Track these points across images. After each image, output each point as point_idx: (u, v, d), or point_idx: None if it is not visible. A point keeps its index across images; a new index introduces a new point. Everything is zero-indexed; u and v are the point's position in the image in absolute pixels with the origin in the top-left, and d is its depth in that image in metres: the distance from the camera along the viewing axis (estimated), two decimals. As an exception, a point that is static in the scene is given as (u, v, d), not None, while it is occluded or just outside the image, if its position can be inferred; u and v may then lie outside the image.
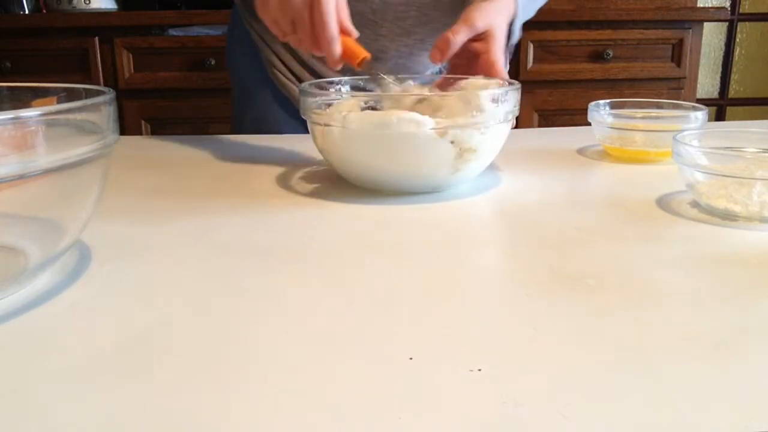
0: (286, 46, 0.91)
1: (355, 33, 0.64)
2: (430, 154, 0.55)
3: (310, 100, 0.60)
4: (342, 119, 0.56)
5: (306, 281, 0.41)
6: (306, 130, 0.78)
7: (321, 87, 0.69)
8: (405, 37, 0.85)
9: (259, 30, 0.93)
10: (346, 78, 0.70)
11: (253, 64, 0.96)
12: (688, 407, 0.27)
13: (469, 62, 0.68)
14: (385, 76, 0.65)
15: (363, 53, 0.64)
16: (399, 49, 0.87)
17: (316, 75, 0.90)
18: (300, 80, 0.92)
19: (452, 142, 0.55)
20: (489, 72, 0.66)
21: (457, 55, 0.67)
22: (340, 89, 0.69)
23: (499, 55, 0.66)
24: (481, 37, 0.66)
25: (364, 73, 0.66)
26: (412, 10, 0.83)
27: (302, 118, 0.62)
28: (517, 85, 0.60)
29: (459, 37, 0.64)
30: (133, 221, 0.53)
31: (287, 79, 0.93)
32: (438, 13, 0.84)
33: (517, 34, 0.75)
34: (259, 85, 0.96)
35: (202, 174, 0.68)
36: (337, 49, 0.62)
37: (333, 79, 0.70)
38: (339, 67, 0.64)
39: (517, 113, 0.60)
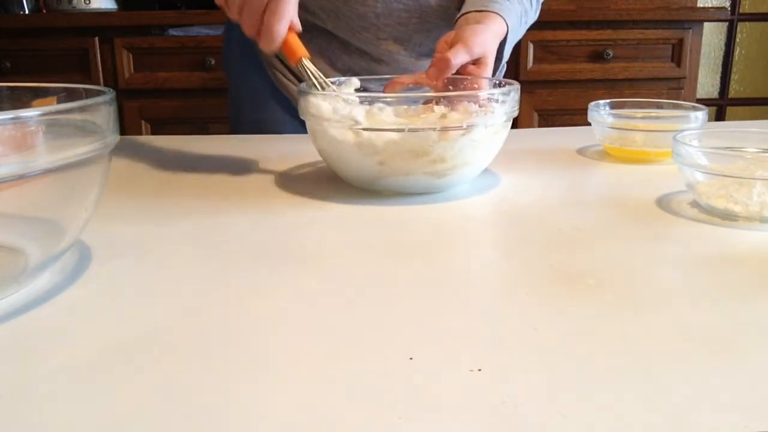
0: None
1: (299, 28, 0.64)
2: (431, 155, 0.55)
3: (310, 100, 0.60)
4: (352, 120, 0.56)
5: (305, 281, 0.41)
6: (305, 130, 0.77)
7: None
8: (406, 41, 0.86)
9: None
10: (343, 78, 0.70)
11: (251, 63, 0.96)
12: (688, 407, 0.27)
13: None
14: (315, 77, 0.64)
15: (301, 51, 0.64)
16: (399, 52, 0.87)
17: None
18: (299, 80, 0.92)
19: (453, 141, 0.55)
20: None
21: None
22: (338, 89, 0.69)
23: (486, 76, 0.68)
24: (474, 61, 0.67)
25: (304, 72, 0.65)
26: (414, 17, 0.84)
27: (301, 118, 0.62)
28: (517, 85, 0.60)
29: (457, 60, 0.65)
30: (133, 221, 0.53)
31: (286, 78, 0.93)
32: (439, 21, 0.85)
33: (507, 55, 0.77)
34: (258, 85, 0.96)
35: (201, 174, 0.68)
36: (277, 45, 0.62)
37: (331, 79, 0.70)
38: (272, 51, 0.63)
39: (516, 114, 0.60)
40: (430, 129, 0.54)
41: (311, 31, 0.89)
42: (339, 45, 0.88)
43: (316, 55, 0.90)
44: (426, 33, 0.86)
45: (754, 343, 0.32)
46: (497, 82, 0.67)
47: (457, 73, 0.67)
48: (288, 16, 0.61)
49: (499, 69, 0.79)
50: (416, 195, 0.59)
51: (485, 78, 0.67)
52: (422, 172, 0.57)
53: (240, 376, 0.30)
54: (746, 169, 0.52)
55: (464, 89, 0.67)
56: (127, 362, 0.31)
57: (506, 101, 0.58)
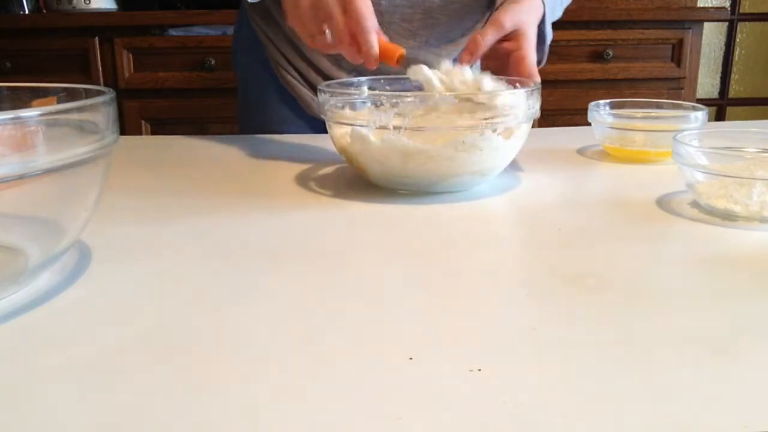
0: (293, 45, 0.91)
1: (383, 36, 0.63)
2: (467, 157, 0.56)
3: (332, 99, 0.60)
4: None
5: (306, 281, 0.41)
6: (312, 130, 0.77)
7: (341, 86, 0.68)
8: (410, 38, 0.86)
9: (266, 29, 0.93)
10: (363, 78, 0.70)
11: (259, 63, 0.96)
12: (688, 407, 0.27)
13: (501, 63, 0.68)
14: (425, 69, 0.61)
15: (399, 50, 0.62)
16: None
17: (323, 74, 0.90)
18: (306, 79, 0.92)
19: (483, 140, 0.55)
20: (519, 68, 0.66)
21: (489, 57, 0.67)
22: (359, 88, 0.69)
23: (530, 51, 0.67)
24: (511, 36, 0.67)
25: (395, 71, 0.63)
26: (418, 13, 0.84)
27: (308, 118, 0.62)
28: (538, 84, 0.60)
29: (487, 38, 0.65)
30: (133, 221, 0.53)
31: (293, 78, 0.93)
32: (443, 17, 0.85)
33: (549, 34, 0.75)
34: (265, 85, 0.96)
35: (202, 174, 0.68)
36: (375, 42, 0.61)
37: (352, 79, 0.70)
38: (376, 66, 0.63)
39: (538, 114, 0.60)
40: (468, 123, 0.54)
41: None
42: None
43: (319, 55, 0.90)
44: (430, 29, 0.86)
45: (754, 343, 0.32)
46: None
47: (496, 54, 0.66)
48: (369, 12, 0.60)
49: (545, 53, 0.77)
50: (426, 194, 0.58)
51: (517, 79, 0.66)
52: (456, 172, 0.57)
53: (240, 377, 0.29)
54: (746, 169, 0.52)
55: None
56: (127, 362, 0.31)
57: (528, 103, 0.58)
